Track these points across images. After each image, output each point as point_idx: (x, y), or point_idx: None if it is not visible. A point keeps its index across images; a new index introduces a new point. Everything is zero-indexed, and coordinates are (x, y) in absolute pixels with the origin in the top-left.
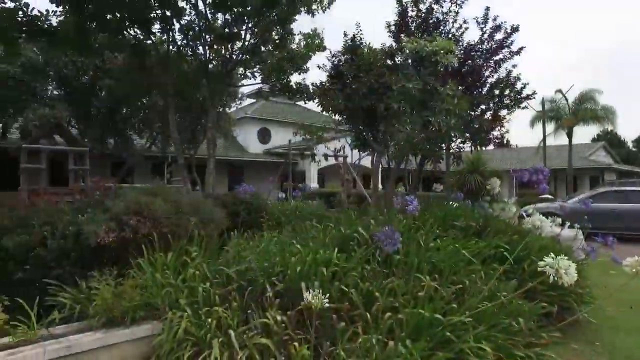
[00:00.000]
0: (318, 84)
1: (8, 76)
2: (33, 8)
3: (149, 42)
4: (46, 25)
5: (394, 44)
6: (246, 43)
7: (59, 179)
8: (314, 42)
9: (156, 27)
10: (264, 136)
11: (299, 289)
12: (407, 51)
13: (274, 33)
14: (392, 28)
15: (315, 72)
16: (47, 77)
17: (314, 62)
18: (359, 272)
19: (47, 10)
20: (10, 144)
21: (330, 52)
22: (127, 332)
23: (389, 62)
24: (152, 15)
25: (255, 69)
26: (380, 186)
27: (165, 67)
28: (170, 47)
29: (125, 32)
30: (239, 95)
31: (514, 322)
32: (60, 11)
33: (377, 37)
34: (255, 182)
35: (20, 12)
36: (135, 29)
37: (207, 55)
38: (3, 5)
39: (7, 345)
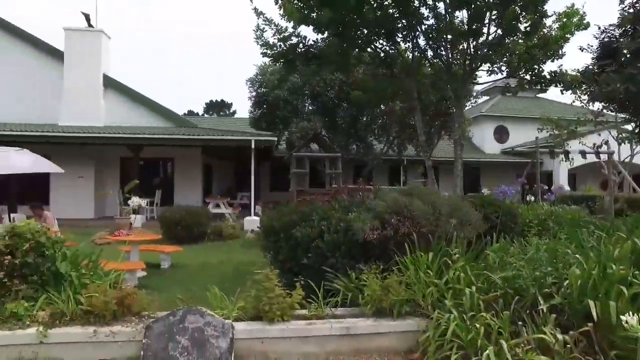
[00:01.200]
0: (581, 69)
1: (280, 99)
2: (309, 39)
3: (393, 51)
4: (315, 51)
5: None
6: (489, 37)
7: (313, 181)
8: (572, 21)
9: (399, 35)
10: (501, 134)
11: (583, 307)
12: None
13: (521, 19)
14: None
15: (573, 57)
16: (304, 95)
17: (571, 45)
18: None
19: (317, 39)
20: (280, 153)
21: (599, 27)
22: (394, 324)
23: None
24: (397, 25)
25: (500, 63)
26: None
27: (410, 72)
28: (415, 52)
29: (371, 46)
30: (473, 94)
31: None
32: (323, 38)
33: None
34: (492, 184)
35: (301, 44)
36: (381, 41)
37: (450, 56)
38: (291, 42)
39: (304, 316)
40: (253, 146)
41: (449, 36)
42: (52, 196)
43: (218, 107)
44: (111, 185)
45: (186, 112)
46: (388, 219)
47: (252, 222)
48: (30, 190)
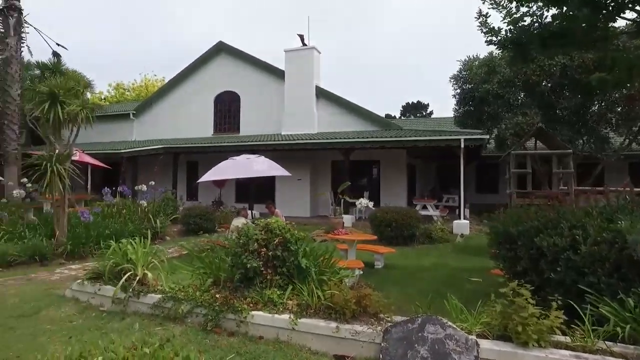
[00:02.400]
0: None
1: (489, 93)
2: (546, 17)
3: None
4: (556, 30)
5: None
6: None
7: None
8: None
9: None
10: None
11: None
12: None
13: None
14: None
15: None
16: (515, 87)
17: None
18: None
19: (555, 14)
20: (487, 152)
21: None
22: None
23: None
24: None
25: None
26: None
27: None
28: None
29: (627, 12)
30: None
31: None
32: (554, 14)
33: None
34: None
35: (536, 24)
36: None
37: None
38: (523, 22)
39: (567, 345)
40: (462, 145)
41: None
42: (277, 196)
43: (414, 109)
44: (323, 186)
45: (383, 116)
46: None
47: (461, 225)
48: (261, 191)
